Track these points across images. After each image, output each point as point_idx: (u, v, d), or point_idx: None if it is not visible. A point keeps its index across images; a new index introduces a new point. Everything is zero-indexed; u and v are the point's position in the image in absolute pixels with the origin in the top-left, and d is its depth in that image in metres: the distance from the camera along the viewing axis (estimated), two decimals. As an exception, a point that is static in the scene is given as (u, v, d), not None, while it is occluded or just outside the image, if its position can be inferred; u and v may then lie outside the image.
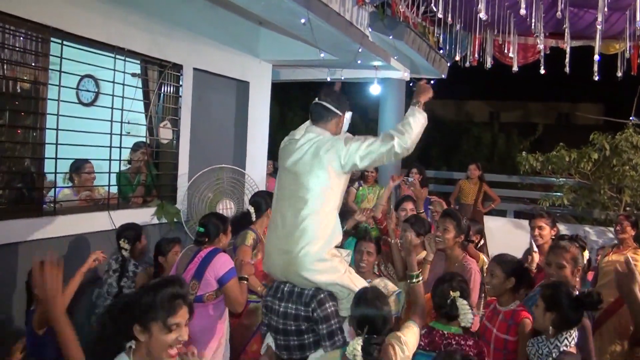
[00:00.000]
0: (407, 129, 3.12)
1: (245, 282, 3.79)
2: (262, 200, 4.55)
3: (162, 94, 5.79)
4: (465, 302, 3.20)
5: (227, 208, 5.68)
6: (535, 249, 4.53)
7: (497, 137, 16.29)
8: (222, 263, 3.67)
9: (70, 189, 5.32)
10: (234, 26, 6.44)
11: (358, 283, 3.21)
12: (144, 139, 5.73)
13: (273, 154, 5.86)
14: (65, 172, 5.25)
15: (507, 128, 16.87)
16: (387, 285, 3.94)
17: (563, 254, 3.47)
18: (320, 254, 3.11)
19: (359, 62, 6.32)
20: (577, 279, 3.53)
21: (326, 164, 3.10)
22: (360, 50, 6.03)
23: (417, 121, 3.17)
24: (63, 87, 4.65)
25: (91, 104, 6.63)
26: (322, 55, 6.24)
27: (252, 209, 4.53)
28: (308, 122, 3.36)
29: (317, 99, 3.29)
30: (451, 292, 3.20)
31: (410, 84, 8.49)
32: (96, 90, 6.53)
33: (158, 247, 4.50)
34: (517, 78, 15.52)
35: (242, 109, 7.00)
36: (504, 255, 3.64)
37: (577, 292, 3.00)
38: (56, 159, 4.60)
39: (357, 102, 16.66)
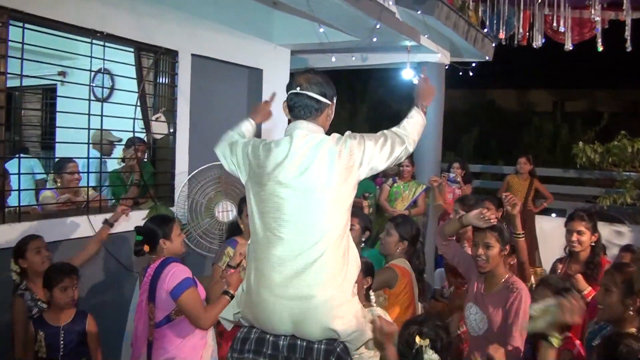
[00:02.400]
0: (410, 131, 2.62)
1: (230, 297, 3.18)
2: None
3: (156, 84, 5.22)
4: (436, 356, 2.40)
5: (225, 210, 5.01)
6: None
7: (560, 128, 15.05)
8: (172, 275, 3.08)
9: (52, 192, 4.82)
10: (244, 8, 5.78)
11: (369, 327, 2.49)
12: (141, 135, 5.19)
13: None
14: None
15: (571, 118, 15.61)
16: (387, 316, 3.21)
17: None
18: (345, 295, 2.43)
19: (374, 39, 5.52)
20: None
21: (345, 174, 2.42)
22: (378, 26, 5.24)
23: (418, 123, 2.68)
24: (25, 76, 4.11)
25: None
26: (327, 38, 5.48)
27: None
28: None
29: (297, 88, 2.53)
30: (418, 340, 2.42)
31: (446, 67, 7.60)
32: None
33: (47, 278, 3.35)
34: (583, 64, 14.43)
35: (255, 99, 6.34)
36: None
37: None
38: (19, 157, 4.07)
39: (390, 91, 15.99)
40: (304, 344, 2.41)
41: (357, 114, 15.81)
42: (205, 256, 4.96)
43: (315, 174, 2.39)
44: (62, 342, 3.25)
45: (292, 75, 7.16)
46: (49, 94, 8.04)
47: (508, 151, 14.25)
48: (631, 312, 2.57)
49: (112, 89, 6.70)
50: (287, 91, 2.59)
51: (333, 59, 6.57)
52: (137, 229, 3.35)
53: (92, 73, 4.83)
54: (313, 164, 2.40)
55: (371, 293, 3.29)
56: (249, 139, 2.79)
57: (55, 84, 7.35)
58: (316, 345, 2.39)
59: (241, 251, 3.42)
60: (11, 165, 4.39)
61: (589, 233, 3.70)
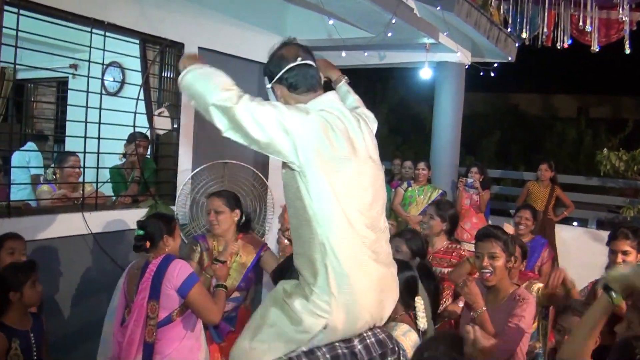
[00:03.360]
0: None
1: (225, 290, 3.25)
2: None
3: (161, 78, 5.03)
4: None
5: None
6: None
7: (584, 134, 14.64)
8: (179, 270, 2.95)
9: (49, 186, 4.64)
10: (255, 1, 5.57)
11: None
12: (143, 130, 5.00)
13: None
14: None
15: (595, 124, 15.19)
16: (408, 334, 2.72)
17: None
18: None
19: (389, 34, 5.24)
20: None
21: None
22: (393, 21, 4.98)
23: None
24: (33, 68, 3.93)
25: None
26: (338, 33, 5.24)
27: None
28: (326, 93, 2.35)
29: (298, 59, 2.31)
30: None
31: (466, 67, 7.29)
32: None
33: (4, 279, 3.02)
34: (609, 69, 14.04)
35: (264, 95, 6.10)
36: None
37: None
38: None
39: (409, 91, 15.70)
40: (373, 339, 2.27)
41: (377, 114, 15.53)
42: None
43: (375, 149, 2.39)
44: (34, 345, 3.02)
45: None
46: (61, 87, 7.94)
47: (529, 157, 13.96)
48: None
49: (122, 82, 6.56)
50: (274, 68, 2.36)
51: (343, 54, 6.32)
52: (140, 223, 3.16)
53: (104, 66, 4.70)
54: (367, 136, 2.34)
55: (417, 299, 2.81)
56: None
57: (67, 77, 7.24)
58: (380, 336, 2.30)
59: (233, 250, 3.56)
60: (14, 159, 4.22)
61: (634, 252, 3.36)
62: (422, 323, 2.70)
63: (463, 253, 4.22)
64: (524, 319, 2.89)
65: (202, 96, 2.09)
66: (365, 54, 6.74)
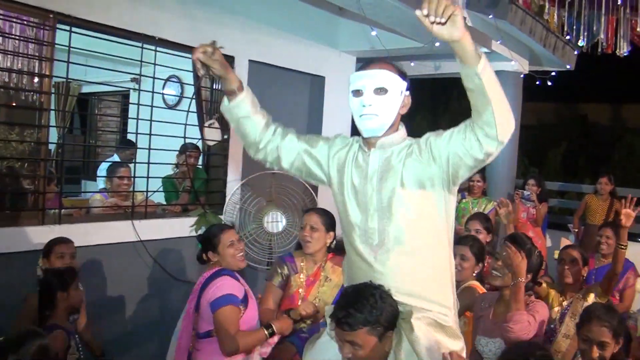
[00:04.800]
0: None
1: (268, 335, 3.04)
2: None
3: (212, 90, 5.15)
4: None
5: (275, 221, 4.83)
6: None
7: (654, 145, 14.03)
8: (217, 287, 2.97)
9: (101, 195, 4.82)
10: (307, 15, 5.64)
11: None
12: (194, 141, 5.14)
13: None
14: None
15: (667, 135, 14.54)
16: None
17: None
18: None
19: (437, 44, 5.19)
20: None
21: None
22: (442, 30, 4.92)
23: None
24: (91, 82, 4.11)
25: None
26: (382, 43, 5.20)
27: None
28: None
29: None
30: None
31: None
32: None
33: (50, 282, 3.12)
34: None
35: (316, 107, 6.16)
36: None
37: None
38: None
39: (466, 101, 15.27)
40: None
41: (439, 125, 15.37)
42: (256, 268, 4.80)
43: None
44: (80, 346, 3.13)
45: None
46: (124, 100, 8.23)
47: (597, 168, 13.42)
48: None
49: (181, 95, 6.76)
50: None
51: (412, 64, 6.29)
52: (198, 237, 3.33)
53: (164, 81, 4.87)
54: None
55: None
56: None
57: (129, 90, 7.52)
58: None
59: (309, 311, 3.18)
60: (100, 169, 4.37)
61: None
62: None
63: None
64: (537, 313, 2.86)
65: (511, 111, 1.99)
66: (412, 64, 6.69)
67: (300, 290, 3.39)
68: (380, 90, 2.15)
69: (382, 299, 2.05)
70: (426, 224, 2.18)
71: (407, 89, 2.26)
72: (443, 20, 1.74)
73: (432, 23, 1.77)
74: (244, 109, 2.27)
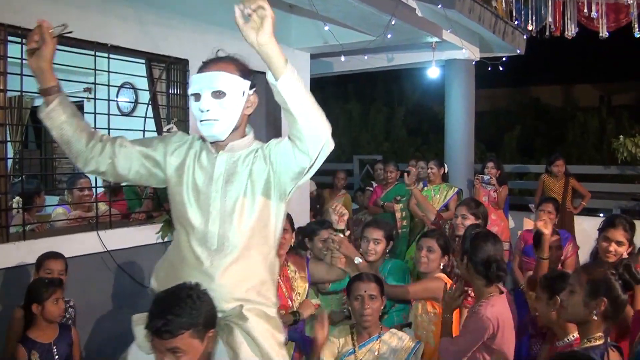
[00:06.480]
0: None
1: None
2: None
3: (168, 95, 5.11)
4: None
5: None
6: None
7: (606, 123, 14.39)
8: None
9: (63, 208, 4.75)
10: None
11: None
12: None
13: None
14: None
15: (618, 112, 14.90)
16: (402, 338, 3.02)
17: None
18: None
19: (388, 36, 5.26)
20: None
21: None
22: (393, 22, 5.00)
23: None
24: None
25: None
26: (336, 38, 5.25)
27: None
28: None
29: None
30: None
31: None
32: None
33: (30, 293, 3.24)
34: (629, 54, 13.79)
35: (272, 106, 6.15)
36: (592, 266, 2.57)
37: None
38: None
39: (420, 91, 15.63)
40: None
41: (395, 117, 15.57)
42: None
43: None
44: (56, 357, 3.16)
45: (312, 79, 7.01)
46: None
47: (553, 149, 13.76)
48: (595, 317, 2.28)
49: (135, 102, 6.68)
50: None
51: (342, 59, 6.35)
52: None
53: (117, 88, 4.81)
54: None
55: None
56: None
57: (82, 101, 7.40)
58: None
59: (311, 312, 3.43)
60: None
61: (627, 245, 3.34)
62: None
63: None
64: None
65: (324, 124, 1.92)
66: (366, 57, 6.76)
67: (284, 290, 3.44)
68: (219, 94, 2.06)
69: (199, 298, 1.94)
70: (264, 231, 2.14)
71: (251, 88, 2.17)
72: (252, 9, 1.73)
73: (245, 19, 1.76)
74: (66, 111, 2.07)
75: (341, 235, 3.36)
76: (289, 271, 3.49)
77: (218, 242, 2.10)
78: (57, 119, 2.06)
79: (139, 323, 2.00)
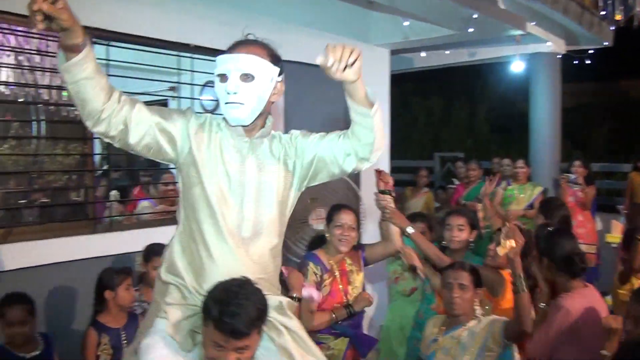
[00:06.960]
0: None
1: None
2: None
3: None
4: None
5: (320, 218, 4.85)
6: None
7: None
8: None
9: (149, 202, 4.93)
10: (337, 11, 5.65)
11: None
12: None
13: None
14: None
15: None
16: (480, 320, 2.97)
17: None
18: None
19: (470, 30, 5.14)
20: None
21: None
22: (475, 15, 4.89)
23: None
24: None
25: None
26: (409, 34, 5.15)
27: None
28: None
29: None
30: None
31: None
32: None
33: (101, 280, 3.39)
34: None
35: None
36: None
37: None
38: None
39: (503, 87, 15.12)
40: None
41: (477, 114, 15.26)
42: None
43: None
44: (124, 342, 3.27)
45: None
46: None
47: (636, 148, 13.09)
48: None
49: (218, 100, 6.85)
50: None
51: (423, 54, 6.25)
52: None
53: (201, 86, 4.98)
54: None
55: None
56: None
57: (167, 99, 7.65)
58: None
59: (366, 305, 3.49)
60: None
61: None
62: None
63: None
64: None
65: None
66: (447, 52, 6.64)
67: (340, 286, 3.45)
68: (247, 77, 2.01)
69: (257, 293, 1.94)
70: (284, 218, 2.20)
71: (279, 75, 2.12)
72: (350, 63, 1.80)
73: (337, 70, 1.79)
74: (88, 68, 1.84)
75: (388, 197, 3.38)
76: (346, 264, 3.50)
77: (253, 228, 2.10)
78: (77, 74, 1.84)
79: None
